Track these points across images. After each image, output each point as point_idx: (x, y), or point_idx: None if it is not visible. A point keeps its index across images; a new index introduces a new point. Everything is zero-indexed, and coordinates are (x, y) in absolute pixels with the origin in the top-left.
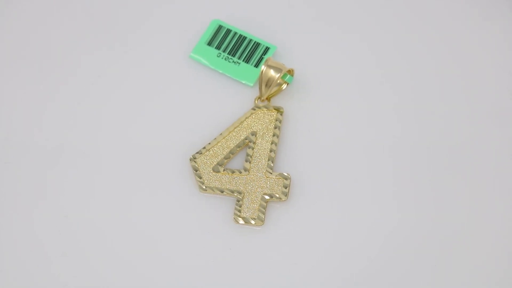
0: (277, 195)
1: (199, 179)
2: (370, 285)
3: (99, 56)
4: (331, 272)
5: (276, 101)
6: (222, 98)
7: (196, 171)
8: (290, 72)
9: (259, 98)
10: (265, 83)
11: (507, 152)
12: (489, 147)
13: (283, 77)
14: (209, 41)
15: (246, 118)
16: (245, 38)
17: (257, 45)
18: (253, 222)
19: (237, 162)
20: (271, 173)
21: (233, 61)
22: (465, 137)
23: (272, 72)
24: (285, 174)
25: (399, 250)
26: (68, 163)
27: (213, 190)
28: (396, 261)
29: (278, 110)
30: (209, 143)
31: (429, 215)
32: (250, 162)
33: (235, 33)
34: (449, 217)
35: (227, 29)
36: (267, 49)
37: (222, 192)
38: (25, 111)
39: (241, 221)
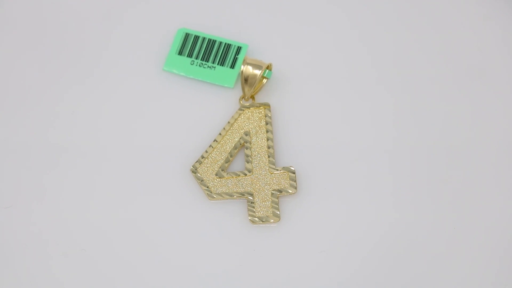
0: (287, 189)
1: (205, 188)
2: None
3: (71, 92)
4: (362, 254)
5: (260, 98)
6: (206, 104)
7: (201, 180)
8: (269, 67)
9: (243, 97)
10: (247, 82)
11: (507, 153)
12: (489, 147)
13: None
14: (180, 51)
15: (235, 119)
16: (214, 41)
17: (228, 46)
18: (270, 219)
19: (237, 165)
20: (275, 169)
21: (208, 66)
22: (465, 137)
23: (252, 70)
24: (290, 167)
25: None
26: (68, 164)
27: (222, 196)
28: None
29: (265, 106)
30: (206, 151)
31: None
32: (251, 162)
33: (204, 38)
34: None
35: (195, 35)
36: (239, 48)
37: (232, 196)
38: None
39: (258, 221)
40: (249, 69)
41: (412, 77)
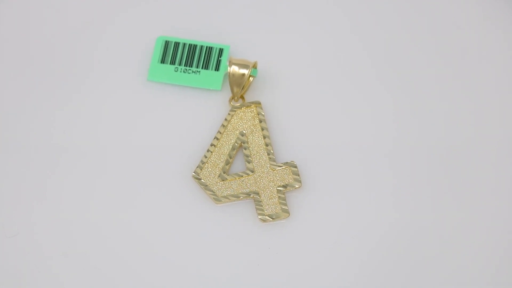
0: (292, 184)
1: (211, 193)
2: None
3: (61, 113)
4: (374, 240)
5: (249, 97)
6: (196, 109)
7: (205, 185)
8: (254, 65)
9: (233, 98)
10: (235, 82)
11: (507, 153)
12: (489, 147)
13: None
14: (162, 59)
15: (229, 121)
16: (195, 46)
17: (210, 49)
18: (280, 216)
19: (237, 166)
20: (277, 165)
21: (192, 72)
22: (464, 137)
23: (239, 70)
24: (291, 162)
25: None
26: (69, 165)
27: (228, 199)
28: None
29: (256, 104)
30: (205, 156)
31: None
32: (251, 162)
33: (184, 44)
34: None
35: (175, 42)
36: (221, 50)
37: (238, 197)
38: None
39: (268, 219)
40: (236, 69)
41: (410, 76)
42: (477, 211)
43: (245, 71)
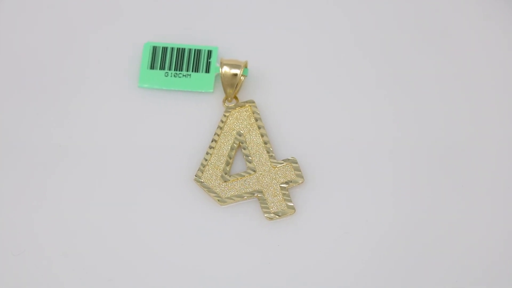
0: (295, 180)
1: (214, 195)
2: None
3: (57, 129)
4: (383, 230)
5: (242, 96)
6: (191, 113)
7: (208, 188)
8: (245, 65)
9: (227, 99)
10: (228, 83)
11: (507, 152)
12: (489, 147)
13: None
14: (151, 65)
15: (225, 122)
16: (184, 49)
17: (198, 52)
18: (286, 213)
19: (237, 166)
20: (277, 162)
21: (183, 75)
22: (464, 137)
23: (231, 71)
24: (291, 158)
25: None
26: (69, 165)
27: (233, 199)
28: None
29: (250, 103)
30: (205, 158)
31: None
32: (252, 161)
33: (172, 48)
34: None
35: (163, 47)
36: (209, 52)
37: (242, 197)
38: None
39: (275, 216)
40: (227, 70)
41: (408, 74)
42: (478, 208)
43: (237, 71)
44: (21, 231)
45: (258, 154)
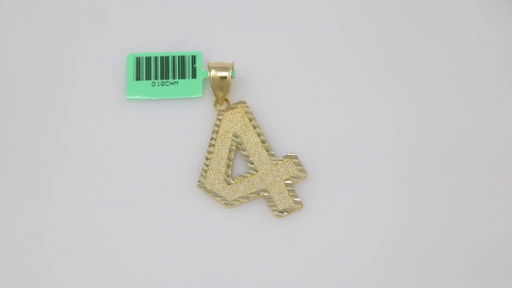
0: (298, 175)
1: (220, 199)
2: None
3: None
4: (388, 221)
5: (232, 98)
6: (183, 120)
7: (213, 193)
8: (232, 66)
9: (217, 102)
10: (217, 86)
11: (507, 153)
12: (489, 148)
13: None
14: (136, 76)
15: (219, 126)
16: (167, 57)
17: (182, 58)
18: (294, 209)
19: (238, 168)
20: (278, 160)
21: (170, 83)
22: (466, 136)
23: (219, 74)
24: (291, 154)
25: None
26: (70, 165)
27: (239, 201)
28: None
29: (241, 104)
30: (205, 164)
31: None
32: (252, 162)
33: (156, 57)
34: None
35: (146, 57)
36: (193, 57)
37: (248, 198)
38: None
39: (283, 213)
40: (216, 74)
41: (407, 74)
42: (478, 208)
43: (226, 74)
44: (21, 231)
45: (258, 154)
